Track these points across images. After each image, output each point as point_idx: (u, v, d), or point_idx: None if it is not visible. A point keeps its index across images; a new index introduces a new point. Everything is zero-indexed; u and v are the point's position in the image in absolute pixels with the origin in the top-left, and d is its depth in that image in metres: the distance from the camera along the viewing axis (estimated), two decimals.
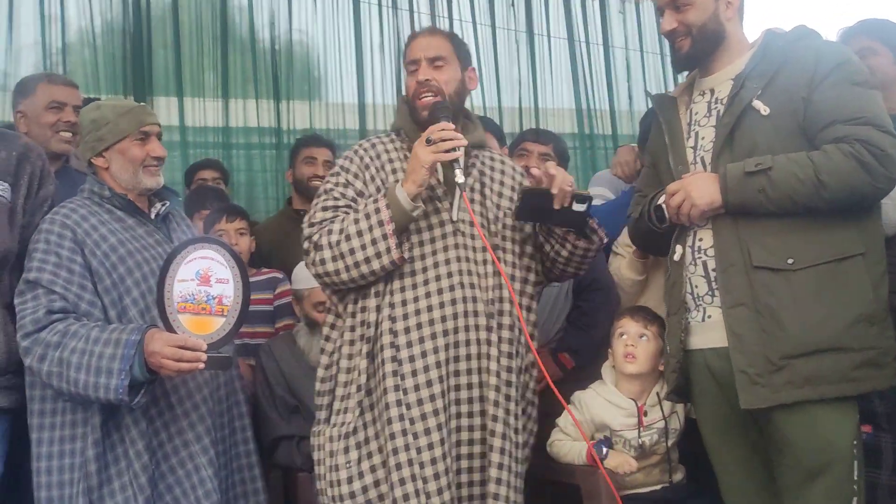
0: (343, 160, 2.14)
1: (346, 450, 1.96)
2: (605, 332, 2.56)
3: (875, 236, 1.94)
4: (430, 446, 1.90)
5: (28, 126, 2.55)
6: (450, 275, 1.99)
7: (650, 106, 2.45)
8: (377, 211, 1.94)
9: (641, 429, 2.37)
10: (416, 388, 1.93)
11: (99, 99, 2.49)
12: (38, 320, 1.89)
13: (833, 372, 1.85)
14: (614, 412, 2.39)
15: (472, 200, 2.06)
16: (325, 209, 2.04)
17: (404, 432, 1.90)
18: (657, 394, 2.40)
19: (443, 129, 1.92)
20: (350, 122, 4.59)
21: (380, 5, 4.67)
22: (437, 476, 1.89)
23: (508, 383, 1.98)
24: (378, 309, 1.99)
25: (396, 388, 1.93)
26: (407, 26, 4.71)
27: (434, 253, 2.01)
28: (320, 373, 2.07)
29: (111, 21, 4.11)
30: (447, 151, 1.90)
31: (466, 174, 2.04)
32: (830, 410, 1.86)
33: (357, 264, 1.95)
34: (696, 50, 2.06)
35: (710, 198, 1.93)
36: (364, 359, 1.98)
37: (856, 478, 1.88)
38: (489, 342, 1.99)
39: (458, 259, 2.00)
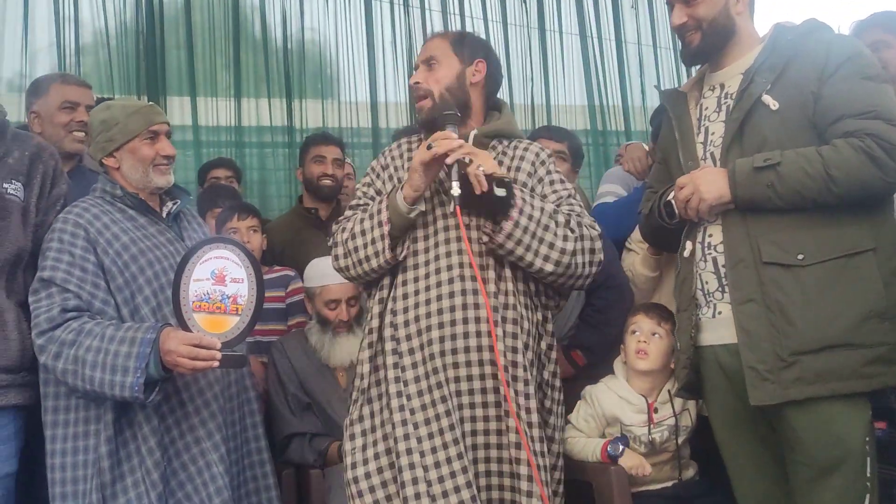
0: (374, 160, 2.26)
1: (353, 437, 2.02)
2: (618, 329, 2.55)
3: (886, 231, 1.92)
4: (431, 436, 1.92)
5: (42, 126, 2.57)
6: (450, 267, 1.99)
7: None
8: (379, 212, 2.03)
9: (652, 425, 2.36)
10: (417, 379, 1.97)
11: (112, 99, 2.51)
12: (52, 318, 1.91)
13: (844, 368, 1.83)
14: (625, 407, 2.39)
15: None
16: (350, 207, 2.18)
17: (404, 423, 1.94)
18: (668, 391, 2.40)
19: (444, 138, 1.96)
20: (363, 121, 4.61)
21: (391, 3, 4.67)
22: (442, 479, 1.89)
23: (515, 378, 1.96)
24: (381, 315, 2.05)
25: (397, 379, 1.98)
26: (418, 24, 4.71)
27: (437, 250, 2.02)
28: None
29: (125, 22, 4.15)
30: (442, 156, 1.93)
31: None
32: (842, 407, 1.85)
33: (360, 262, 2.06)
34: (706, 44, 2.05)
35: (718, 192, 1.93)
36: (367, 363, 2.04)
37: (868, 475, 1.86)
38: (490, 335, 1.96)
39: (461, 252, 2.00)
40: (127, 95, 3.97)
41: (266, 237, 3.03)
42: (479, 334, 1.95)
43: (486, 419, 1.96)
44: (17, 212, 2.01)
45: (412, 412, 1.94)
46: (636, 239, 2.71)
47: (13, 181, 2.02)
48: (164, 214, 2.16)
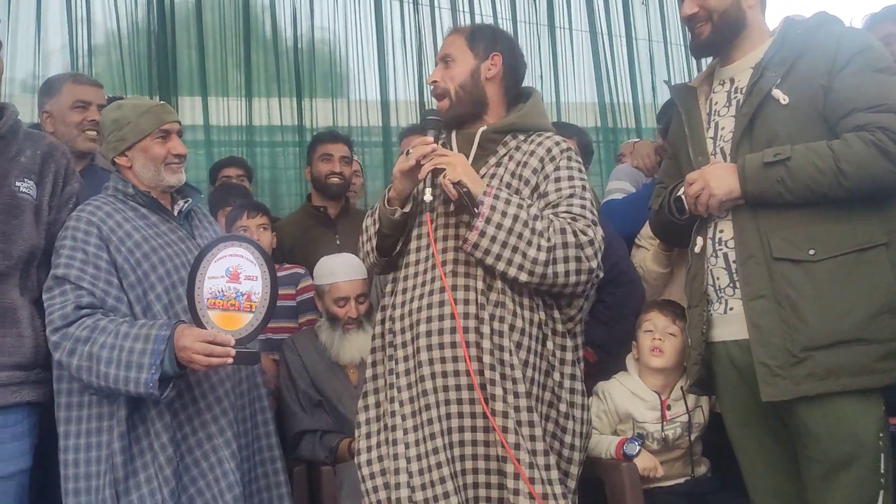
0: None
1: (359, 424, 2.10)
2: (629, 326, 2.55)
3: None
4: (417, 441, 1.94)
5: (54, 126, 2.59)
6: (444, 263, 2.00)
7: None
8: (374, 212, 2.15)
9: (665, 422, 2.35)
10: (407, 372, 2.00)
11: (123, 98, 2.52)
12: (66, 315, 1.93)
13: (856, 364, 1.82)
14: (638, 404, 2.38)
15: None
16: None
17: (393, 414, 2.00)
18: (681, 388, 2.39)
19: (423, 143, 2.00)
20: (373, 119, 4.62)
21: (401, 2, 4.68)
22: (424, 486, 1.91)
23: (504, 376, 1.93)
24: (382, 322, 2.11)
25: (391, 371, 2.03)
26: (428, 22, 4.72)
27: (427, 251, 2.04)
28: None
29: (136, 23, 4.18)
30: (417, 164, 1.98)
31: (487, 156, 2.08)
32: (854, 403, 1.84)
33: (364, 258, 2.21)
34: (715, 36, 2.04)
35: (728, 188, 1.92)
36: (370, 355, 2.13)
37: (882, 471, 1.85)
38: (479, 331, 1.94)
39: (456, 249, 2.01)
40: (139, 95, 3.99)
41: (276, 235, 3.04)
42: (466, 330, 1.94)
43: (472, 416, 1.94)
44: (29, 210, 2.03)
45: (401, 404, 1.99)
46: (646, 235, 2.70)
47: (26, 180, 2.04)
48: (175, 213, 2.18)
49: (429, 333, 1.96)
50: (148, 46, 4.15)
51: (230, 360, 1.90)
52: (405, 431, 1.97)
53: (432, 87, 2.15)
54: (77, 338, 1.90)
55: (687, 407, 2.38)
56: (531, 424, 1.91)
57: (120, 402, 1.95)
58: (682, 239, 2.18)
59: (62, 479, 1.95)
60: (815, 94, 1.90)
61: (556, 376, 2.01)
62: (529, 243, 1.91)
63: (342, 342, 2.67)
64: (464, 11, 4.81)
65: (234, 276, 1.96)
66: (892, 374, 1.84)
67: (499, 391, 1.90)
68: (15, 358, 1.97)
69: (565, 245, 1.93)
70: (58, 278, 1.97)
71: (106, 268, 1.99)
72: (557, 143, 2.10)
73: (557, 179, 2.04)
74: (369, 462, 2.03)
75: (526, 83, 2.30)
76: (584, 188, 2.05)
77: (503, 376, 1.92)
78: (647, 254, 2.71)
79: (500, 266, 1.93)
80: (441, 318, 1.96)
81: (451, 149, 2.13)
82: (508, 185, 2.04)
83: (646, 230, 2.69)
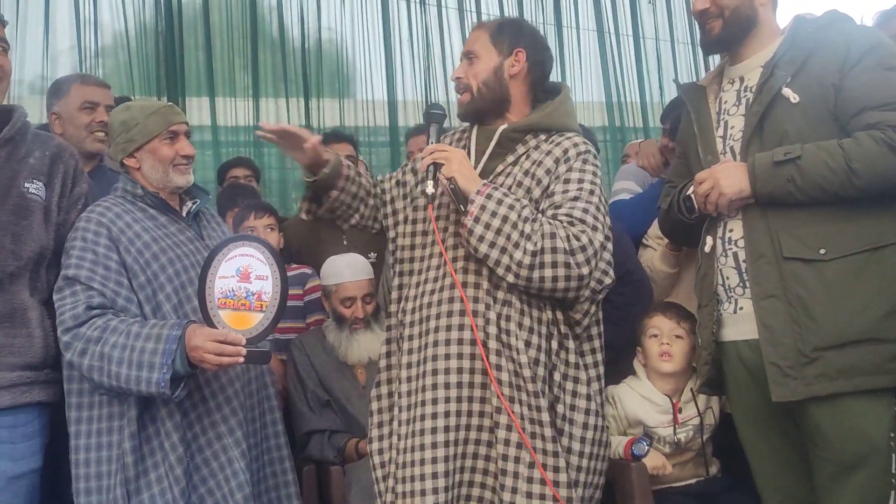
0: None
1: (371, 413, 2.12)
2: (637, 326, 2.54)
3: None
4: (409, 422, 1.95)
5: (63, 127, 2.60)
6: (455, 260, 2.00)
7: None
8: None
9: (677, 426, 2.34)
10: (409, 365, 2.00)
11: (130, 99, 2.53)
12: (77, 316, 1.94)
13: (868, 363, 1.81)
14: (649, 408, 2.37)
15: (500, 185, 2.04)
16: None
17: (400, 409, 2.01)
18: (691, 390, 2.38)
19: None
20: (380, 119, 4.62)
21: (408, 2, 4.68)
22: (412, 478, 1.92)
23: (517, 374, 1.93)
24: (395, 313, 2.12)
25: (397, 364, 2.05)
26: (435, 22, 4.72)
27: (444, 243, 2.03)
28: None
29: (144, 24, 4.20)
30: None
31: (506, 154, 2.08)
32: (866, 402, 1.83)
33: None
34: (726, 33, 2.03)
35: (738, 186, 1.91)
36: (385, 358, 2.14)
37: (894, 471, 1.83)
38: (486, 330, 1.94)
39: (456, 247, 2.01)
40: (147, 96, 4.01)
41: (283, 235, 3.04)
42: (472, 327, 1.94)
43: (480, 415, 1.94)
44: (38, 211, 2.04)
45: (400, 396, 2.00)
46: (653, 235, 2.69)
47: (35, 181, 2.04)
48: (183, 213, 2.18)
49: (437, 329, 1.96)
50: (156, 47, 4.17)
51: (241, 360, 1.90)
52: (399, 423, 1.98)
53: (455, 83, 2.15)
54: (88, 338, 1.91)
55: (698, 409, 2.37)
56: (540, 424, 1.91)
57: (130, 402, 1.95)
58: (691, 238, 2.17)
59: (73, 479, 1.96)
60: (826, 93, 1.89)
61: (557, 376, 1.99)
62: (516, 245, 1.90)
63: (349, 342, 2.67)
64: (470, 11, 4.81)
65: (245, 275, 1.97)
66: None
67: (506, 390, 1.90)
68: (25, 358, 1.98)
69: (553, 250, 1.89)
70: (68, 279, 1.98)
71: (116, 268, 1.99)
72: (576, 145, 2.06)
73: (566, 181, 2.02)
74: (381, 451, 2.05)
75: None
76: (591, 192, 2.00)
77: (514, 373, 1.92)
78: (654, 254, 2.70)
79: (490, 265, 1.94)
80: (450, 314, 1.96)
81: (471, 143, 2.14)
82: (520, 184, 2.03)
83: (653, 230, 2.68)
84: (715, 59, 2.29)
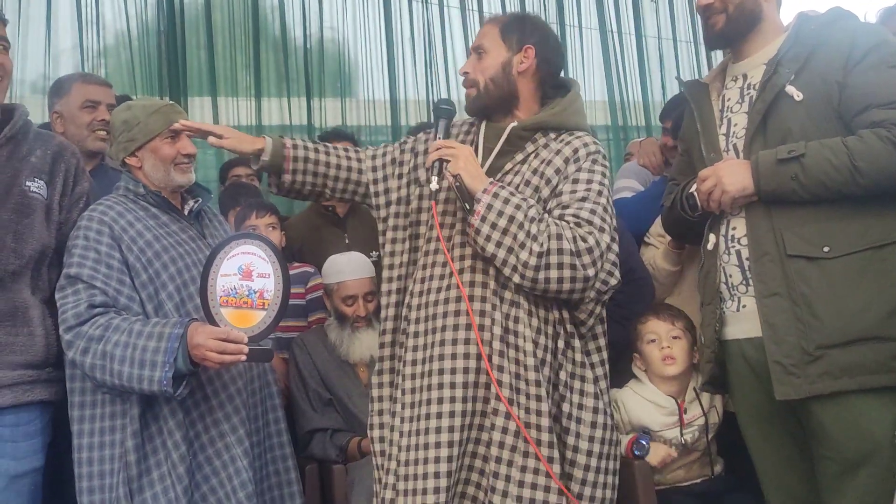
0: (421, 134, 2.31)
1: (371, 399, 2.11)
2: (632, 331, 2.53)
3: None
4: (411, 419, 1.94)
5: (64, 126, 2.60)
6: (462, 258, 1.99)
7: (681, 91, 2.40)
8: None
9: (683, 427, 2.34)
10: (414, 362, 1.99)
11: (131, 98, 2.53)
12: (79, 314, 1.94)
13: (871, 362, 1.80)
14: (654, 411, 2.36)
15: (508, 183, 2.02)
16: (368, 148, 2.31)
17: (403, 405, 2.00)
18: (694, 389, 2.38)
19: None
20: (382, 119, 4.61)
21: (410, 0, 4.68)
22: (415, 476, 1.91)
23: (518, 376, 1.92)
24: (396, 305, 2.11)
25: (399, 358, 2.04)
26: (437, 21, 4.71)
27: (450, 240, 2.02)
28: None
29: (146, 23, 4.19)
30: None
31: (514, 152, 2.06)
32: (870, 401, 1.82)
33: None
34: (729, 28, 2.02)
35: (741, 184, 1.90)
36: (389, 361, 2.11)
37: None
38: (491, 330, 1.93)
39: (463, 245, 2.00)
40: (149, 96, 4.01)
41: (284, 234, 3.04)
42: (474, 327, 1.93)
43: (483, 414, 1.93)
44: (40, 209, 2.04)
45: (403, 392, 1.99)
46: (655, 233, 2.69)
47: (36, 179, 2.05)
48: (185, 212, 2.18)
49: (444, 329, 1.95)
50: (157, 47, 4.17)
51: (243, 358, 1.90)
52: (402, 420, 1.97)
53: (463, 77, 2.13)
54: (91, 336, 1.91)
55: (703, 408, 2.36)
56: (538, 429, 1.89)
57: (133, 401, 1.95)
58: (693, 236, 2.17)
59: (76, 478, 1.96)
60: (830, 91, 1.88)
61: (563, 375, 1.98)
62: (522, 246, 1.88)
63: (351, 341, 2.67)
64: (472, 10, 4.81)
65: (247, 273, 1.97)
66: None
67: (505, 392, 1.89)
68: (26, 357, 1.98)
69: (560, 251, 1.88)
70: (70, 277, 1.98)
71: (118, 267, 1.99)
72: (586, 145, 2.03)
73: (575, 181, 1.99)
74: (381, 439, 2.05)
75: None
76: (599, 193, 1.98)
77: (516, 376, 1.91)
78: (656, 252, 2.69)
79: (497, 265, 1.92)
80: (457, 314, 1.95)
81: (479, 139, 2.11)
82: (528, 183, 2.00)
83: (655, 228, 2.68)
84: (717, 58, 2.28)
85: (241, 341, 1.90)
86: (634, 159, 3.47)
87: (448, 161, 1.95)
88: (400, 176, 2.17)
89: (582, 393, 1.99)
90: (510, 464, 1.89)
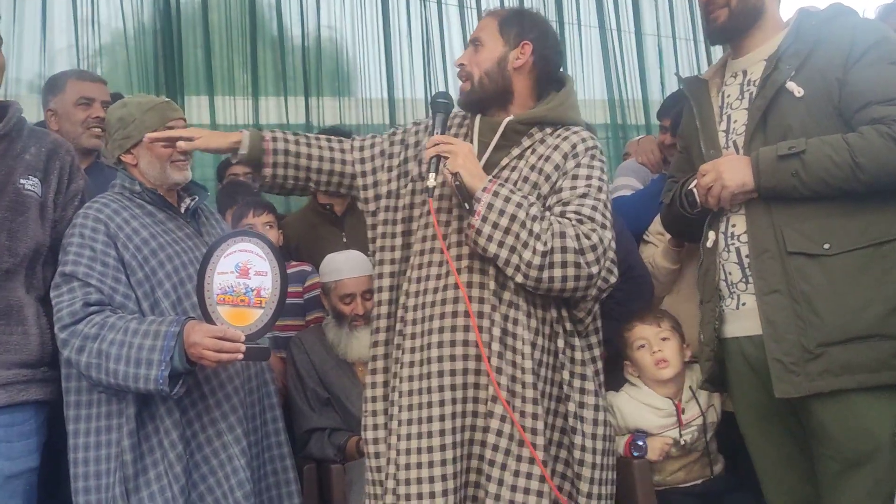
0: (413, 124, 2.28)
1: (365, 400, 2.08)
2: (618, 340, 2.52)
3: None
4: (409, 422, 1.92)
5: (59, 123, 2.59)
6: (459, 258, 1.96)
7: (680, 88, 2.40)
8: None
9: (681, 427, 2.33)
10: (411, 364, 1.96)
11: (123, 96, 2.52)
12: (75, 313, 1.92)
13: (872, 360, 1.80)
14: (652, 414, 2.35)
15: (506, 180, 2.00)
16: (363, 139, 2.26)
17: (392, 403, 1.98)
18: (690, 388, 2.37)
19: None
20: (379, 118, 4.60)
21: None
22: (418, 481, 1.89)
23: (514, 379, 1.90)
24: (389, 302, 2.07)
25: (396, 360, 2.01)
26: (435, 19, 4.71)
27: (445, 238, 1.99)
28: None
29: (143, 22, 4.18)
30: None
31: (511, 147, 2.03)
32: (870, 399, 1.81)
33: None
34: (732, 22, 2.02)
35: (741, 180, 1.90)
36: (383, 360, 2.07)
37: None
38: (490, 332, 1.91)
39: (460, 244, 1.97)
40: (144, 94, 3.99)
41: (282, 233, 3.03)
42: (473, 328, 1.91)
43: (485, 415, 1.90)
44: (34, 207, 2.03)
45: (401, 395, 1.96)
46: (654, 231, 2.69)
47: (31, 177, 2.03)
48: (182, 210, 2.17)
49: (441, 331, 1.93)
50: (154, 46, 4.15)
51: (240, 357, 1.89)
52: (399, 423, 1.95)
53: (459, 69, 2.10)
54: (86, 335, 1.90)
55: (700, 408, 2.35)
56: (533, 432, 1.88)
57: (129, 400, 1.94)
58: (692, 234, 2.16)
59: (71, 478, 1.94)
60: (830, 87, 1.88)
61: (565, 374, 1.97)
62: (525, 245, 1.86)
63: (349, 340, 2.66)
64: (470, 7, 4.80)
65: (244, 271, 1.96)
66: None
67: (504, 394, 1.88)
68: (21, 356, 1.97)
69: (563, 250, 1.86)
70: (65, 275, 1.96)
71: (114, 265, 1.98)
72: (584, 140, 2.02)
73: (575, 177, 1.97)
74: (376, 440, 2.02)
75: None
76: (599, 189, 1.97)
77: (512, 378, 1.90)
78: (655, 250, 2.69)
79: (500, 265, 1.90)
80: (455, 315, 1.93)
81: (473, 133, 2.08)
82: (526, 179, 1.99)
83: (654, 226, 2.67)
84: (716, 55, 2.27)
85: (238, 339, 1.88)
86: (633, 158, 3.47)
87: (447, 158, 1.92)
88: (390, 168, 2.14)
89: (583, 391, 1.98)
90: (504, 467, 1.87)
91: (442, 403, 1.90)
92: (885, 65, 1.86)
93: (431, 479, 1.87)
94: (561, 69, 2.20)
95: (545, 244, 1.86)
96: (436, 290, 1.97)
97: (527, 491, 1.86)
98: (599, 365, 2.06)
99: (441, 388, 1.91)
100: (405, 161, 2.13)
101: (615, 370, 2.50)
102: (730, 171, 1.91)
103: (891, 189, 1.83)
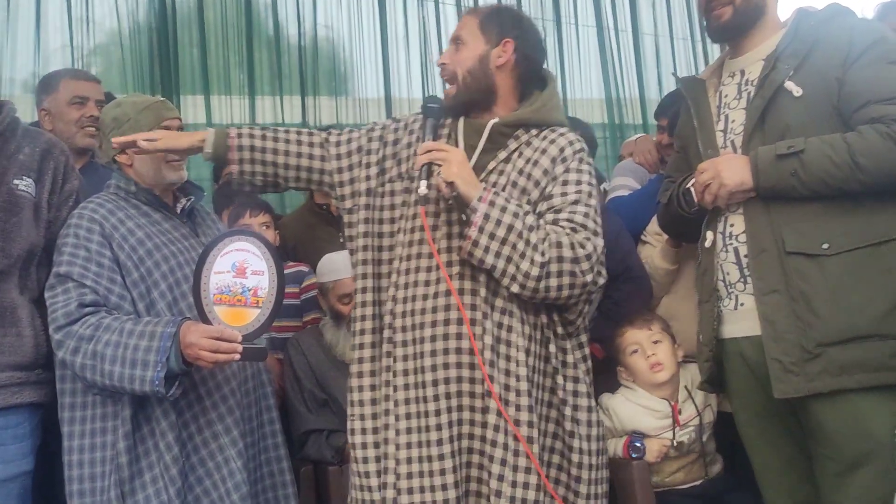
0: (395, 121, 2.24)
1: (352, 403, 2.03)
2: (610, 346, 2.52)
3: None
4: (408, 431, 1.90)
5: (53, 123, 2.58)
6: (449, 264, 1.93)
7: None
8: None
9: (678, 428, 2.32)
10: (405, 372, 1.93)
11: (115, 97, 2.51)
12: (70, 314, 1.91)
13: (871, 360, 1.79)
14: (648, 416, 2.35)
15: (494, 184, 1.98)
16: (346, 133, 2.23)
17: (387, 412, 1.95)
18: (685, 388, 2.36)
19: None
20: (376, 117, 4.59)
21: None
22: (417, 474, 1.89)
23: (507, 387, 1.89)
24: (373, 303, 2.03)
25: (388, 368, 1.97)
26: (432, 18, 4.70)
27: (424, 244, 1.96)
28: None
29: (138, 22, 4.17)
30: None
31: (497, 150, 2.00)
32: (870, 399, 1.81)
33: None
34: (735, 20, 2.01)
35: (739, 178, 1.89)
36: (370, 363, 2.03)
37: None
38: (482, 339, 1.89)
39: (451, 250, 1.94)
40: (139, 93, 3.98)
41: (278, 233, 3.03)
42: (467, 336, 1.88)
43: (483, 425, 1.89)
44: (28, 208, 2.01)
45: (396, 404, 1.93)
46: (652, 231, 2.68)
47: (24, 177, 2.02)
48: (178, 210, 2.16)
49: (434, 339, 1.90)
50: (149, 45, 4.14)
51: (237, 357, 1.88)
52: (397, 432, 1.92)
53: (440, 68, 2.07)
54: (81, 336, 1.89)
55: (697, 409, 2.35)
56: (530, 440, 1.87)
57: (124, 402, 1.93)
58: (690, 233, 2.15)
59: (66, 481, 1.93)
60: (829, 87, 1.88)
61: (560, 379, 1.96)
62: (523, 256, 1.85)
63: (348, 340, 2.64)
64: (468, 6, 4.78)
65: (241, 270, 1.95)
66: None
67: (503, 400, 1.87)
68: (15, 358, 1.96)
69: (560, 259, 1.86)
70: (60, 276, 1.95)
71: (109, 265, 1.97)
72: (571, 143, 2.00)
73: (565, 183, 1.96)
74: (364, 445, 1.98)
75: None
76: (590, 195, 1.96)
77: (505, 387, 1.88)
78: (653, 250, 2.69)
79: (496, 275, 1.88)
80: (447, 322, 1.90)
81: (458, 136, 2.05)
82: (515, 184, 1.96)
83: (652, 226, 2.67)
84: (714, 55, 2.27)
85: (235, 340, 1.87)
86: (630, 158, 3.46)
87: (439, 165, 1.88)
88: (367, 165, 2.09)
89: (577, 394, 1.98)
90: (500, 478, 1.86)
91: (438, 413, 1.89)
92: (883, 64, 1.86)
93: (431, 474, 1.87)
94: (556, 73, 2.19)
95: (543, 255, 1.85)
96: (425, 297, 1.94)
97: (526, 486, 1.86)
98: (587, 365, 2.05)
99: (437, 398, 1.90)
100: (383, 159, 2.09)
101: (611, 371, 2.49)
102: (728, 169, 1.90)
103: (890, 189, 1.83)
